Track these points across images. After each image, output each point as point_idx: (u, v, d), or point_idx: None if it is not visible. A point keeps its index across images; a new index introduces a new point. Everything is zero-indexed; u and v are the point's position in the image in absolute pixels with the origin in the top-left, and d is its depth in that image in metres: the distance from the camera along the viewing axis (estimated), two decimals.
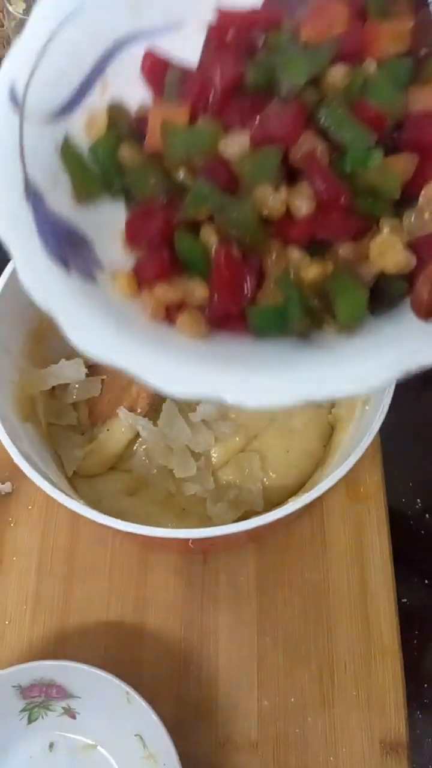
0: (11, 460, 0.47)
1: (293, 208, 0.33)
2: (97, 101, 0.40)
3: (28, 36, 0.38)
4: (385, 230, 0.32)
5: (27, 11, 0.84)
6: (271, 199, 0.33)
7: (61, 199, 0.38)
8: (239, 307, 0.35)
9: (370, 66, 0.35)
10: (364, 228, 0.34)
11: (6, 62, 0.37)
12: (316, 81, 0.35)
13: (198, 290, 0.35)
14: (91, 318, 0.34)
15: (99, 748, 0.56)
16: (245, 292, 0.35)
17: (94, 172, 0.39)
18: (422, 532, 0.65)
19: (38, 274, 0.34)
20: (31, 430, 0.55)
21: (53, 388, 0.60)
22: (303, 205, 0.33)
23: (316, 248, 0.35)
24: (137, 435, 0.59)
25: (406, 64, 0.35)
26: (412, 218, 0.33)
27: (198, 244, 0.35)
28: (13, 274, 0.54)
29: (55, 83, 0.38)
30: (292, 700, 0.57)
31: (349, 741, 0.55)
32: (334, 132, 0.33)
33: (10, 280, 0.54)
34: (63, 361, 0.59)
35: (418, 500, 0.67)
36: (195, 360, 0.33)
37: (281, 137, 0.33)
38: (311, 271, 0.34)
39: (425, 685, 0.59)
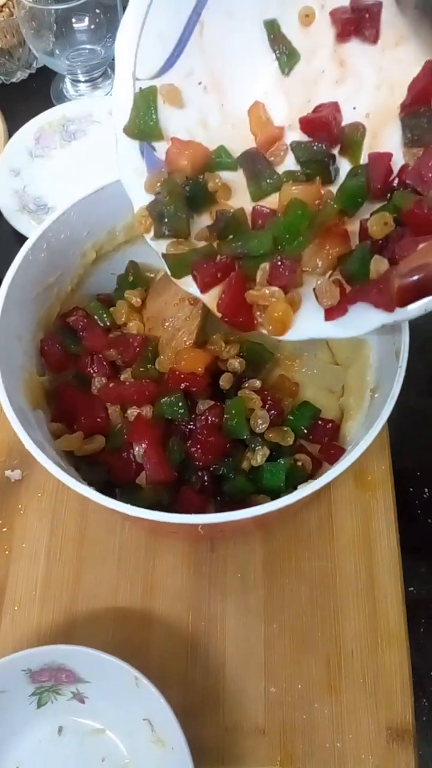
0: (21, 447, 0.48)
1: None
2: (196, 42, 0.49)
3: (130, 12, 0.46)
4: None
5: (36, 0, 0.84)
6: None
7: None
8: None
9: None
10: None
11: (118, 35, 0.47)
12: None
13: None
14: None
15: (107, 732, 0.56)
16: None
17: (151, 121, 0.49)
18: (429, 521, 0.66)
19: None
20: (42, 417, 0.55)
21: None
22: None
23: None
24: None
25: None
26: None
27: None
28: (23, 264, 0.55)
29: (156, 46, 0.47)
30: (299, 686, 0.57)
31: (355, 727, 0.56)
32: None
33: (20, 270, 0.54)
34: None
35: (426, 490, 0.67)
36: None
37: None
38: None
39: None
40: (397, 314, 0.39)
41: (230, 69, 0.51)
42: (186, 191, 0.48)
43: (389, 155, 0.46)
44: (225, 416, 0.54)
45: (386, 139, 0.48)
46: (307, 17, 0.49)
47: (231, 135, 0.51)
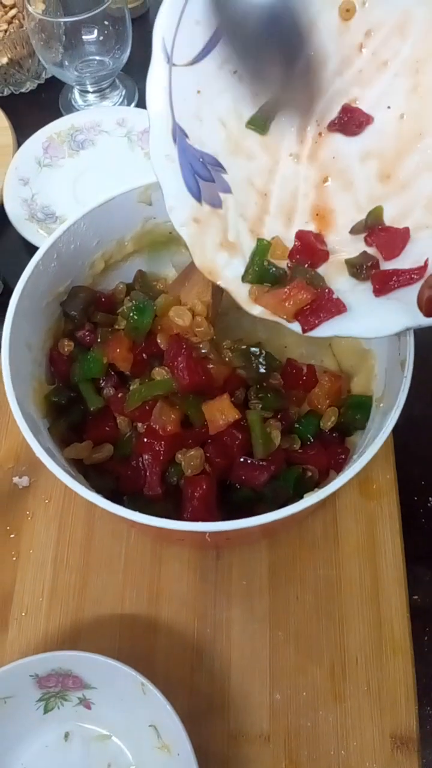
0: (29, 454, 0.48)
1: None
2: None
3: None
4: None
5: (46, 12, 0.85)
6: None
7: (202, 136, 0.50)
8: None
9: None
10: None
11: (157, 21, 0.46)
12: None
13: None
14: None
15: (113, 738, 0.56)
16: None
17: None
18: None
19: (179, 206, 0.48)
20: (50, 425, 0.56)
21: None
22: None
23: None
24: None
25: None
26: None
27: None
28: (33, 273, 0.55)
29: (194, 32, 0.47)
30: (304, 694, 0.57)
31: (359, 735, 0.56)
32: None
33: (31, 280, 0.55)
34: None
35: (430, 499, 0.67)
36: None
37: None
38: None
39: None
40: (421, 320, 0.43)
41: (266, 61, 0.51)
42: None
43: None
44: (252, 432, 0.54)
45: (418, 143, 0.49)
46: (347, 12, 0.49)
47: None
